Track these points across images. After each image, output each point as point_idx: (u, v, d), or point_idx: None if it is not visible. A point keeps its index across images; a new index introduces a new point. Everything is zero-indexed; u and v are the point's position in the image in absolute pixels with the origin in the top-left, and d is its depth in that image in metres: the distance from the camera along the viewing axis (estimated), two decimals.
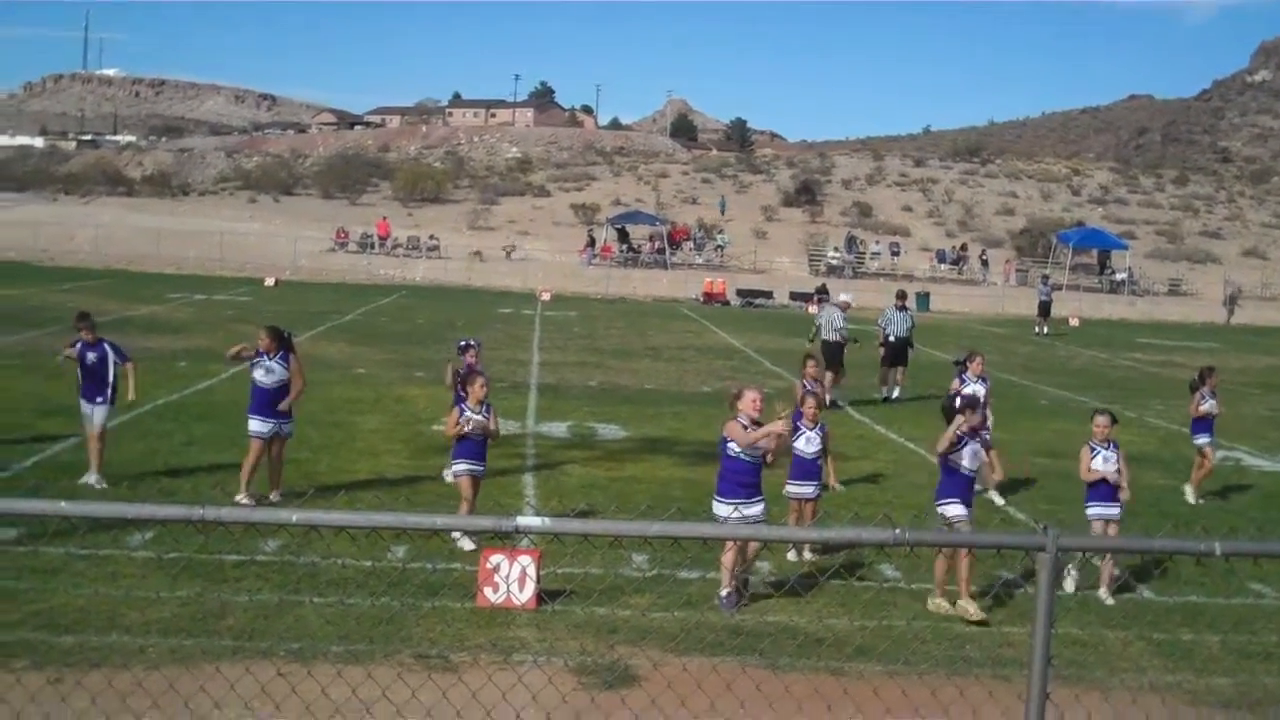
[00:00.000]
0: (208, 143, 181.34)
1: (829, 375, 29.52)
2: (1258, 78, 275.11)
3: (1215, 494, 20.54)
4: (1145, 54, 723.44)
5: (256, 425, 16.71)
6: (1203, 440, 20.25)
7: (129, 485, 16.82)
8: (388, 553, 13.86)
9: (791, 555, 14.93)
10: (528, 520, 5.78)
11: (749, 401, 13.32)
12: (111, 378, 17.42)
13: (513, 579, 12.41)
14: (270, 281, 62.94)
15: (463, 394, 15.49)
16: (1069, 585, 14.06)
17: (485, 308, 55.03)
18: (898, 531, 5.80)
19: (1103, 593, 13.96)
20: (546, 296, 62.71)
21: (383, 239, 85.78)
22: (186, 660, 10.52)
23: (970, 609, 12.77)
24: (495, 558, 12.49)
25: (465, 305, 55.82)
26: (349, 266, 76.94)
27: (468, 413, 15.05)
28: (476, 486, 15.13)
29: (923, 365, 31.48)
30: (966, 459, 13.61)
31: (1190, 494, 20.15)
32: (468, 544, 14.30)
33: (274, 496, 16.88)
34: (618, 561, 14.06)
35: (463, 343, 19.41)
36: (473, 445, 15.06)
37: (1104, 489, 14.47)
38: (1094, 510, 14.45)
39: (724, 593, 13.01)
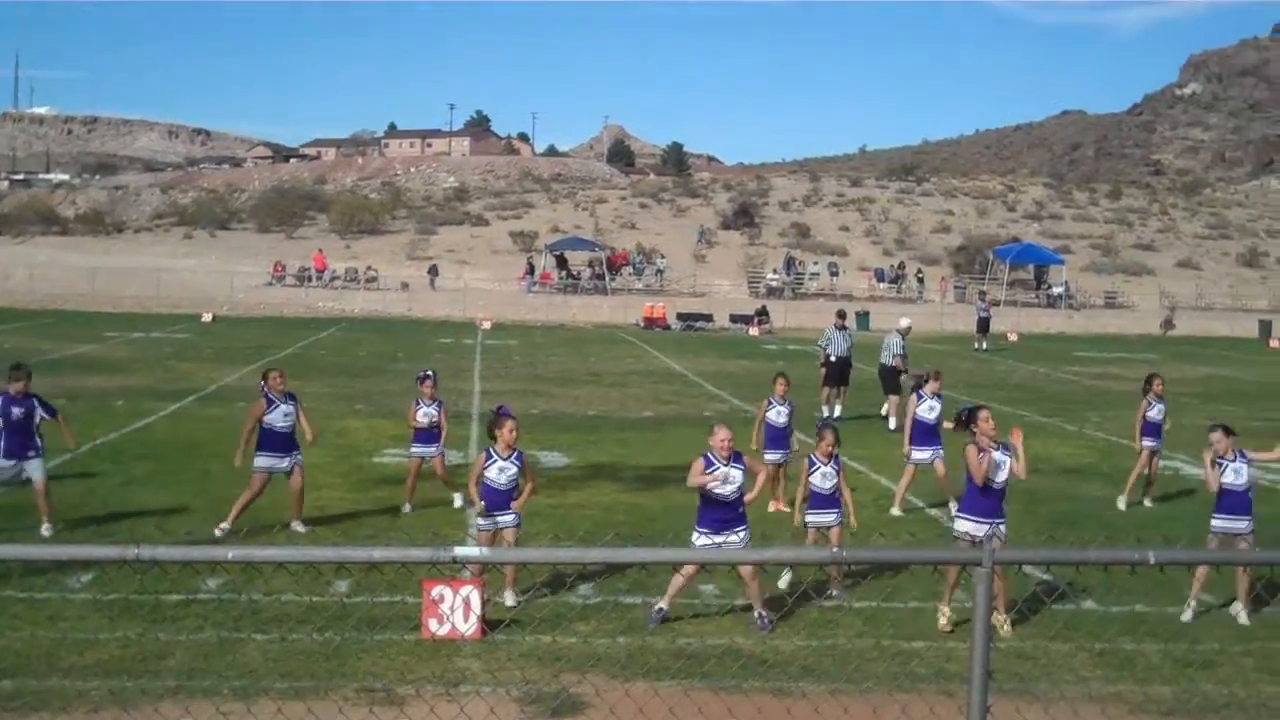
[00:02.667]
0: (142, 179, 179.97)
1: (830, 392, 29.78)
2: (1187, 91, 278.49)
3: (1156, 501, 20.74)
4: (1076, 70, 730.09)
5: (269, 461, 16.99)
6: (1151, 444, 20.68)
7: (66, 527, 16.65)
8: (329, 587, 13.78)
9: (783, 583, 14.84)
10: (465, 550, 5.77)
11: (719, 440, 13.35)
12: (37, 431, 17.01)
13: (457, 609, 12.37)
14: (208, 317, 62.50)
15: (491, 437, 14.25)
16: (1187, 615, 13.81)
17: (425, 338, 54.84)
18: (836, 550, 5.82)
19: (1237, 607, 13.97)
20: (487, 325, 62.61)
21: (320, 272, 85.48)
22: (127, 702, 10.42)
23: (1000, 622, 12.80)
24: (439, 588, 12.44)
25: (405, 336, 55.63)
26: (287, 300, 76.57)
27: (497, 463, 13.93)
28: (499, 541, 13.90)
29: (863, 384, 31.59)
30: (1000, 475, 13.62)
31: (1125, 502, 20.52)
32: (511, 598, 13.73)
33: (297, 525, 17.08)
34: (561, 588, 14.04)
35: (421, 374, 19.63)
36: (498, 494, 14.05)
37: (1234, 501, 14.27)
38: (1219, 523, 14.26)
39: (657, 607, 13.16)
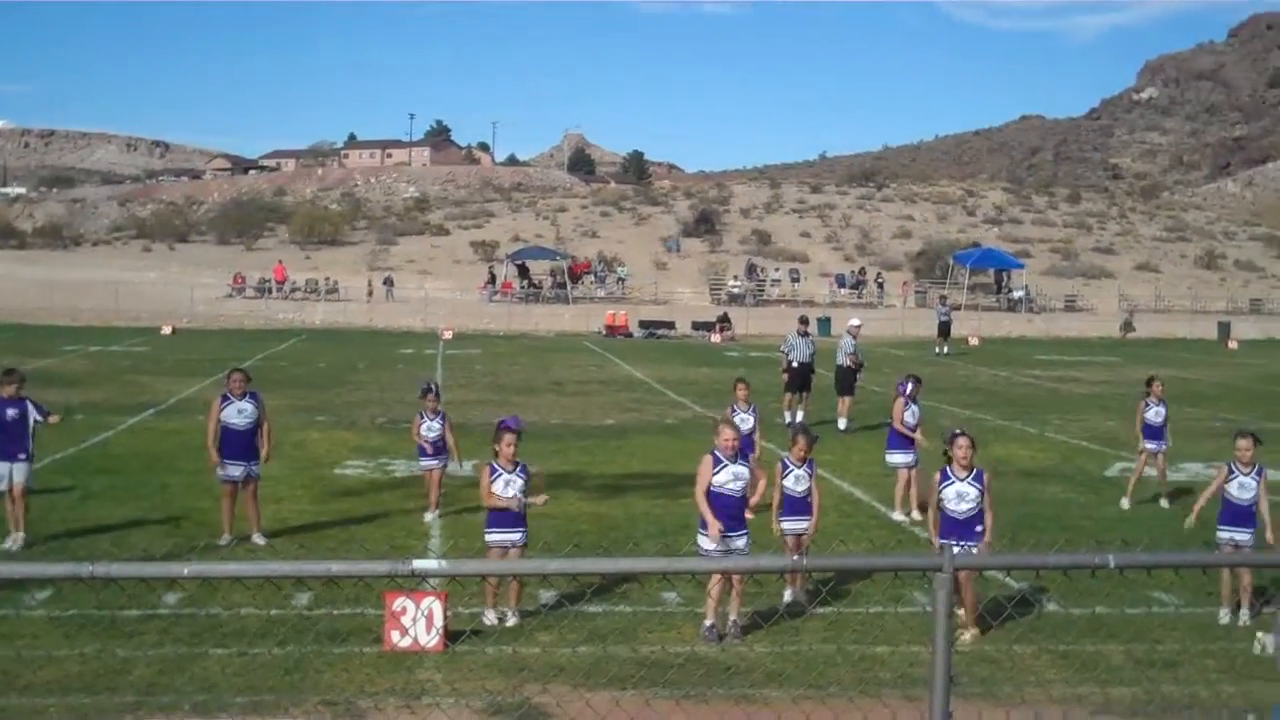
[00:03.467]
0: (100, 192, 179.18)
1: (793, 398, 29.84)
2: (1144, 95, 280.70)
3: (1116, 504, 20.85)
4: (1035, 75, 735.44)
5: (231, 470, 17.10)
6: (1151, 446, 21.05)
7: (23, 543, 16.50)
8: (290, 601, 13.69)
9: (788, 595, 14.76)
10: (424, 563, 5.72)
11: (725, 439, 13.42)
12: (31, 435, 17.18)
13: (418, 621, 12.31)
14: (167, 330, 62.13)
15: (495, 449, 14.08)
16: (1269, 646, 13.07)
17: (387, 349, 54.65)
18: (796, 558, 5.80)
19: (1223, 613, 14.14)
20: (448, 335, 62.44)
21: (280, 283, 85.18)
22: (85, 718, 10.32)
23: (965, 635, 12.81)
24: (401, 600, 12.38)
25: (366, 347, 55.43)
26: (247, 312, 76.25)
27: (502, 476, 13.82)
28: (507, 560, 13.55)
29: (826, 390, 31.62)
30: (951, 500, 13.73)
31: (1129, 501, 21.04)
32: (491, 618, 13.60)
33: (257, 538, 17.15)
34: (524, 599, 13.99)
35: (423, 388, 19.99)
36: (506, 513, 13.92)
37: (1235, 512, 14.41)
38: (1223, 534, 14.44)
39: (706, 623, 13.12)
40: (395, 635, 12.31)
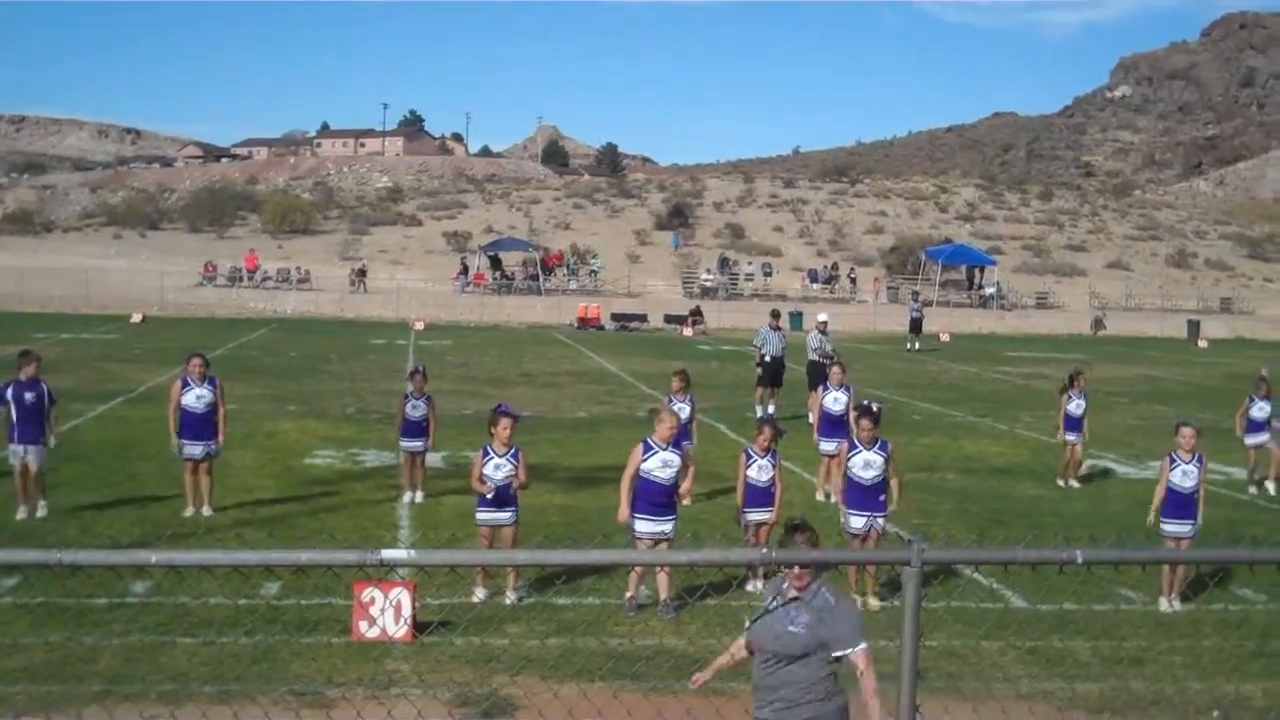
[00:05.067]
0: (71, 178, 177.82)
1: (765, 392, 29.83)
2: (1117, 93, 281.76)
3: (1085, 500, 20.96)
4: (1008, 72, 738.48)
5: (190, 450, 17.79)
6: (1072, 438, 22.30)
7: None
8: (258, 590, 13.66)
9: (751, 586, 14.82)
10: (392, 553, 5.70)
11: (665, 427, 14.09)
12: (48, 418, 17.62)
13: (387, 612, 12.30)
14: (137, 318, 61.85)
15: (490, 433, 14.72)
16: (1165, 607, 14.42)
17: (358, 339, 54.53)
18: (765, 550, 5.81)
19: (1164, 602, 14.47)
20: (420, 326, 62.36)
21: (251, 272, 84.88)
22: (51, 707, 10.29)
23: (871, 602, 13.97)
24: (369, 591, 12.36)
25: (337, 337, 55.30)
26: (218, 301, 75.95)
27: (493, 459, 14.40)
28: (498, 539, 14.41)
29: (798, 385, 31.65)
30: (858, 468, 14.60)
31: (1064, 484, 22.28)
32: (481, 595, 14.05)
33: (205, 510, 17.81)
34: (493, 590, 14.02)
35: (411, 369, 20.67)
36: (495, 491, 14.41)
37: (1180, 504, 14.73)
38: (1167, 528, 14.79)
39: (627, 595, 13.83)
40: (363, 625, 12.30)
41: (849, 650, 7.04)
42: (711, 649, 12.30)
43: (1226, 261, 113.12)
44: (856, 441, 14.81)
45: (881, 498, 14.64)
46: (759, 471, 14.98)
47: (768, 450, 15.01)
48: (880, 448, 14.67)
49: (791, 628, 6.96)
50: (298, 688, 10.93)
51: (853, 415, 16.89)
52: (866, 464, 14.57)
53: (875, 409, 15.31)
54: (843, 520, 14.88)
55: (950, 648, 12.51)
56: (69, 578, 12.57)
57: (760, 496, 15.00)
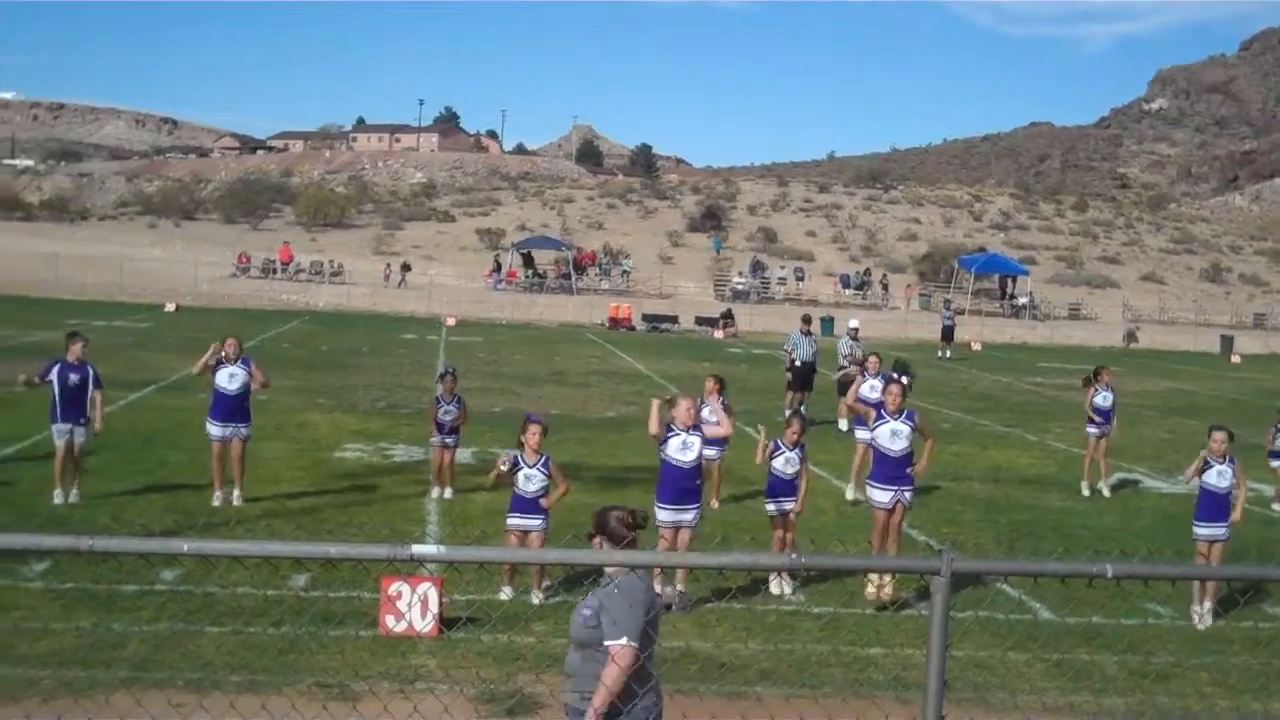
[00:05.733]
0: (108, 167, 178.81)
1: (795, 396, 29.72)
2: (1154, 106, 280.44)
3: (1114, 513, 20.86)
4: (1045, 82, 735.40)
5: (215, 430, 17.89)
6: (1094, 431, 22.67)
7: (19, 515, 16.51)
8: (286, 581, 13.70)
9: (774, 588, 14.80)
10: (423, 548, 5.70)
11: (682, 409, 14.32)
12: (90, 401, 17.82)
13: (414, 607, 12.32)
14: (171, 307, 62.12)
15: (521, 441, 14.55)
16: (1200, 624, 14.32)
17: (389, 333, 54.65)
18: (793, 556, 5.79)
19: (1195, 610, 14.41)
20: (451, 322, 62.44)
21: (285, 264, 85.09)
22: (79, 692, 10.34)
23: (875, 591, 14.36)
24: (396, 585, 12.39)
25: (369, 331, 55.42)
26: (251, 292, 76.15)
27: (524, 470, 14.17)
28: (526, 544, 14.02)
29: (828, 389, 31.59)
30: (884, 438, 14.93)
31: (1088, 487, 22.48)
32: (508, 593, 13.98)
33: (236, 499, 17.87)
34: (520, 587, 14.03)
35: (441, 371, 20.69)
36: (522, 499, 14.22)
37: (1215, 505, 14.79)
38: (1200, 530, 14.87)
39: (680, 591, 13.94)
40: (390, 620, 12.32)
41: None
42: (737, 652, 12.31)
43: (1261, 277, 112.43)
44: (884, 413, 15.05)
45: (908, 470, 14.86)
46: (785, 464, 15.18)
47: (796, 444, 15.21)
48: (907, 417, 14.95)
49: None
50: (324, 680, 10.96)
51: (881, 386, 17.38)
52: (894, 434, 14.82)
53: (905, 379, 15.97)
54: (866, 496, 15.44)
55: (977, 658, 12.46)
56: (99, 564, 12.65)
57: (784, 487, 15.23)
